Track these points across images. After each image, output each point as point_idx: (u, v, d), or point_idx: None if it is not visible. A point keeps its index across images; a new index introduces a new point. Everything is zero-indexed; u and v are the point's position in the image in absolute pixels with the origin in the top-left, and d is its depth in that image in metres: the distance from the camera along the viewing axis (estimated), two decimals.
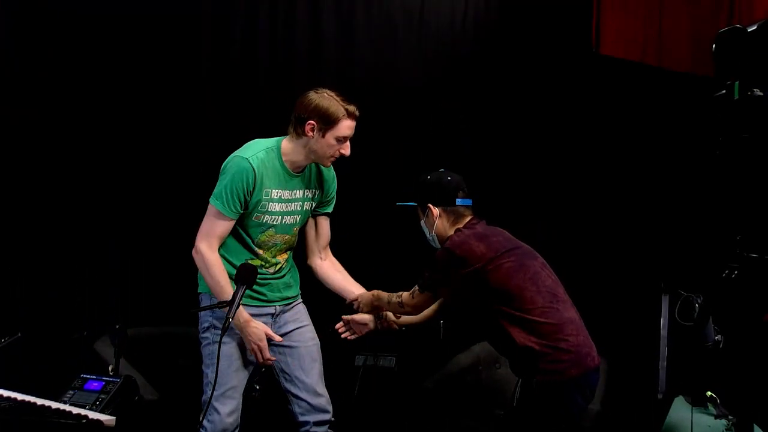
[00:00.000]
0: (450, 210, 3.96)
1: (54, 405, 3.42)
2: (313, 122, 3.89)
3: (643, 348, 5.31)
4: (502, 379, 5.28)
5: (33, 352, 5.23)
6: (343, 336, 4.28)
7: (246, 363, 4.07)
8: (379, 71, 5.96)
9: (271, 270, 4.11)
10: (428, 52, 6.00)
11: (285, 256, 4.17)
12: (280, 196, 4.02)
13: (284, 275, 4.17)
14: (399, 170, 5.81)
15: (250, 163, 3.91)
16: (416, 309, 4.06)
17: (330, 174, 4.20)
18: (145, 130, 5.79)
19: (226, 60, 5.89)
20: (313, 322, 4.26)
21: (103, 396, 3.95)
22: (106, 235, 5.82)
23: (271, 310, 4.14)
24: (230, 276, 3.93)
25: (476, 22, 6.00)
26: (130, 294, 5.86)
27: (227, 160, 3.97)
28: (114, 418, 3.30)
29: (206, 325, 4.07)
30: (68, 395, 3.95)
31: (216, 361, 3.76)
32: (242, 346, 4.04)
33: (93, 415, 3.33)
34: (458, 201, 3.96)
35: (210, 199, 3.95)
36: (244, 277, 3.71)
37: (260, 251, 4.05)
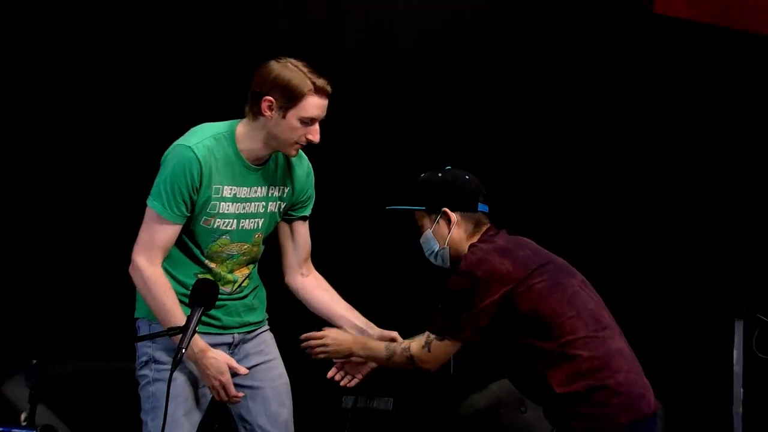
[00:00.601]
0: (469, 216, 3.62)
1: None
2: (271, 98, 3.55)
3: (711, 389, 5.28)
4: (530, 426, 4.95)
5: None
6: (342, 384, 3.90)
7: (198, 402, 3.72)
8: (372, 45, 5.74)
9: (228, 289, 3.72)
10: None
11: (245, 271, 3.77)
12: (235, 195, 3.66)
13: (246, 295, 3.79)
14: (393, 165, 5.57)
15: (194, 152, 3.58)
16: (436, 364, 3.59)
17: (303, 167, 3.82)
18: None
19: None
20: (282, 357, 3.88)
21: None
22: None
23: (228, 339, 3.75)
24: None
25: None
26: (48, 318, 5.39)
27: (168, 150, 3.66)
28: None
29: (144, 359, 3.69)
30: None
31: (162, 403, 3.36)
32: (193, 381, 3.70)
33: None
34: (479, 206, 3.64)
35: (147, 200, 3.62)
36: (201, 296, 3.35)
37: (212, 265, 3.67)
